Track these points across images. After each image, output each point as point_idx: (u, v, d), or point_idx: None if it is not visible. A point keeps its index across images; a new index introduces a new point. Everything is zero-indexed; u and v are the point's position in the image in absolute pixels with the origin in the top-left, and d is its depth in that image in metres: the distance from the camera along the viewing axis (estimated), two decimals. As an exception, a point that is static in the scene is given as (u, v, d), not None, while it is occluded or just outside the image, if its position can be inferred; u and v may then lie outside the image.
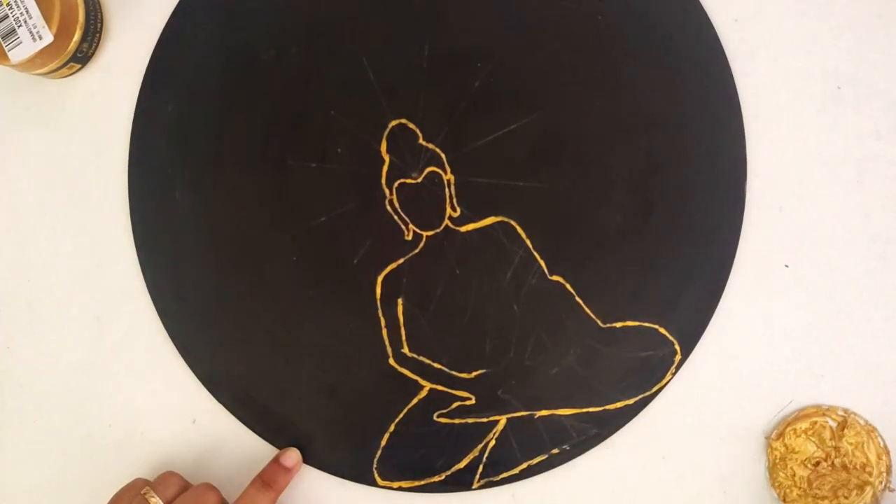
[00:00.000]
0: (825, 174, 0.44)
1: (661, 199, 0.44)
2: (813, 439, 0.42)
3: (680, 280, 0.44)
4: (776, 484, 0.43)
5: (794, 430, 0.43)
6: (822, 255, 0.44)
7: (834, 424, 0.42)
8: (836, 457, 0.42)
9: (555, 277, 0.44)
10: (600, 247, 0.44)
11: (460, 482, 0.45)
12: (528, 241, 0.44)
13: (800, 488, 0.42)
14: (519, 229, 0.44)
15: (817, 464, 0.42)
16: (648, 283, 0.44)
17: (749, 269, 0.44)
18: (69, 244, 0.48)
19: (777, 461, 0.43)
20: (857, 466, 0.42)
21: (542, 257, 0.44)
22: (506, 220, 0.44)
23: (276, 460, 0.45)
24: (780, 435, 0.43)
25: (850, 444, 0.42)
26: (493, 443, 0.44)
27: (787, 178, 0.44)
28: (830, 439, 0.42)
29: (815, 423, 0.42)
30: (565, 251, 0.44)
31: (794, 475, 0.42)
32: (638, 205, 0.44)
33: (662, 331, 0.44)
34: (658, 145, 0.44)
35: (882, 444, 0.42)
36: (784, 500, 0.43)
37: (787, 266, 0.44)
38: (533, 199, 0.44)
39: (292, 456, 0.45)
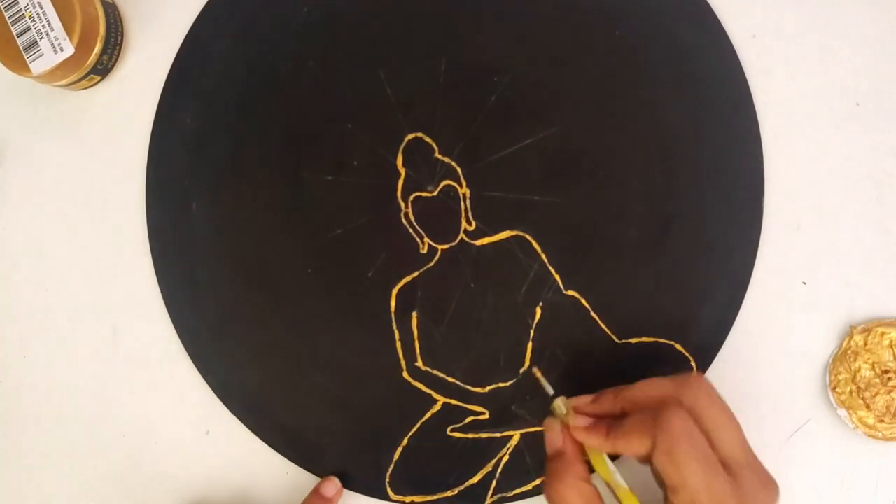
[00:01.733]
0: (844, 191, 0.43)
1: (678, 215, 0.44)
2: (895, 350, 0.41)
3: (697, 296, 0.43)
4: (835, 372, 0.42)
5: (883, 332, 0.41)
6: (841, 273, 0.43)
7: None
8: None
9: (570, 292, 0.44)
10: (616, 262, 0.44)
11: (473, 497, 0.44)
12: (543, 256, 0.44)
13: (856, 386, 0.41)
14: (534, 244, 0.44)
15: (885, 372, 0.41)
16: (665, 298, 0.43)
17: (766, 286, 0.43)
18: (86, 254, 0.49)
19: (849, 351, 0.42)
20: None
21: (557, 272, 0.44)
22: (521, 234, 0.44)
23: (316, 491, 0.44)
24: (867, 330, 0.42)
25: None
26: (506, 458, 0.44)
27: (806, 194, 0.44)
28: None
29: None
30: (581, 266, 0.44)
31: (858, 371, 0.41)
32: (654, 220, 0.44)
33: (679, 347, 0.43)
34: (675, 161, 0.44)
35: None
36: (833, 389, 0.42)
37: (804, 283, 0.43)
38: (549, 213, 0.44)
39: (332, 486, 0.45)
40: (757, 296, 0.43)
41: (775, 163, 0.43)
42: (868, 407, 0.41)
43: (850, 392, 0.41)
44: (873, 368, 0.41)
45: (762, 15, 0.44)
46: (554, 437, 0.38)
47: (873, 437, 0.41)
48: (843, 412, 0.42)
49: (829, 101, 0.44)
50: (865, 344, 0.42)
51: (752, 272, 0.43)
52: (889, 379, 0.41)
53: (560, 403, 0.39)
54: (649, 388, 0.36)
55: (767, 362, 0.44)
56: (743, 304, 0.43)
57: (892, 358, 0.41)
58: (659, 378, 0.37)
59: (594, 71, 0.44)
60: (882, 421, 0.41)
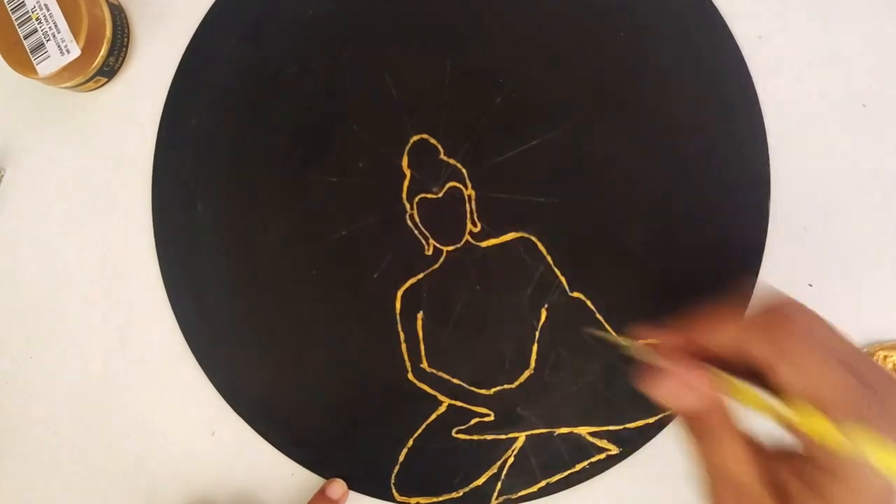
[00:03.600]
0: (850, 193, 0.43)
1: (683, 217, 0.44)
2: None
3: (702, 299, 0.43)
4: None
5: (885, 355, 0.41)
6: (847, 275, 0.43)
7: None
8: None
9: (575, 294, 0.44)
10: (622, 264, 0.44)
11: (478, 499, 0.44)
12: (548, 258, 0.44)
13: None
14: (539, 245, 0.44)
15: None
16: (670, 301, 0.43)
17: (773, 288, 0.43)
18: (92, 255, 0.49)
19: None
20: None
21: (562, 274, 0.44)
22: (526, 235, 0.44)
23: (321, 492, 0.45)
24: (870, 355, 0.41)
25: None
26: (511, 460, 0.44)
27: (812, 196, 0.43)
28: None
29: None
30: (586, 268, 0.44)
31: None
32: (660, 222, 0.44)
33: (684, 349, 0.43)
34: (681, 162, 0.44)
35: None
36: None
37: (810, 286, 0.43)
38: (554, 215, 0.44)
39: (338, 489, 0.45)
40: (763, 298, 0.43)
41: (781, 164, 0.43)
42: None
43: None
44: None
45: (768, 16, 0.44)
46: (676, 384, 0.29)
47: None
48: None
49: (836, 103, 0.44)
50: None
51: (758, 274, 0.43)
52: None
53: (640, 345, 0.32)
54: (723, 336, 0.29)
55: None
56: (749, 307, 0.43)
57: None
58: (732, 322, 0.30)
59: (599, 72, 0.44)
60: None
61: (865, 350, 0.42)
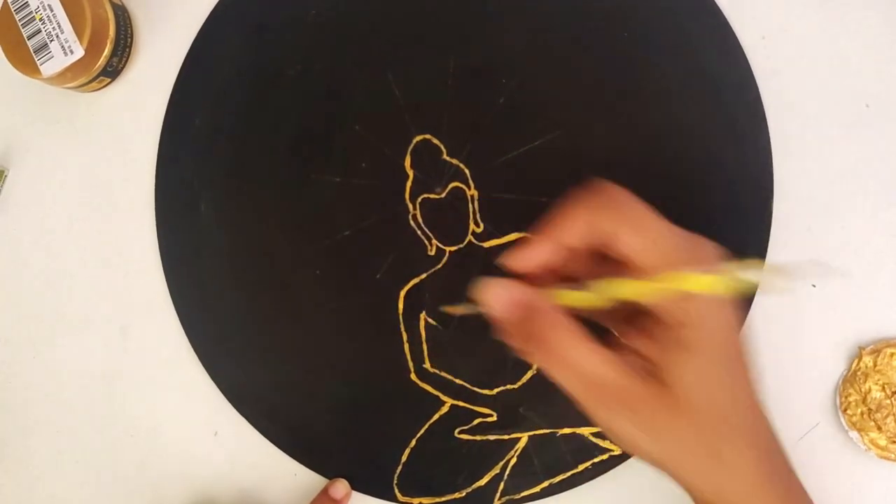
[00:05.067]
0: (854, 193, 0.43)
1: (686, 218, 0.43)
2: None
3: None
4: (845, 393, 0.42)
5: (892, 352, 0.41)
6: (851, 275, 0.43)
7: None
8: None
9: (578, 294, 0.44)
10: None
11: (481, 499, 0.44)
12: (551, 258, 0.44)
13: (867, 407, 0.41)
14: (542, 246, 0.44)
15: (895, 394, 0.41)
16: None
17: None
18: (96, 256, 0.49)
19: (858, 373, 0.41)
20: None
21: (565, 274, 0.44)
22: (529, 236, 0.44)
23: (324, 492, 0.45)
24: (876, 351, 0.41)
25: None
26: (514, 460, 0.44)
27: (815, 197, 0.43)
28: None
29: None
30: (589, 268, 0.44)
31: (868, 393, 0.41)
32: (663, 222, 0.43)
33: (687, 350, 0.43)
34: (683, 164, 0.43)
35: None
36: (844, 411, 0.41)
37: (814, 286, 0.43)
38: (557, 215, 0.44)
39: (341, 488, 0.45)
40: (766, 298, 0.43)
41: (784, 165, 0.43)
42: (879, 428, 0.41)
43: (861, 414, 0.41)
44: (884, 389, 0.41)
45: (771, 16, 0.44)
46: (502, 292, 0.32)
47: (885, 458, 0.41)
48: (854, 434, 0.41)
49: (839, 103, 0.44)
50: (875, 365, 0.41)
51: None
52: None
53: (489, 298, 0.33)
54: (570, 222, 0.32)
55: (776, 365, 0.43)
56: (752, 307, 0.43)
57: None
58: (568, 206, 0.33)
59: (602, 72, 0.44)
60: (894, 442, 0.41)
61: (871, 347, 0.42)
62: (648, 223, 0.31)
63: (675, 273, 0.29)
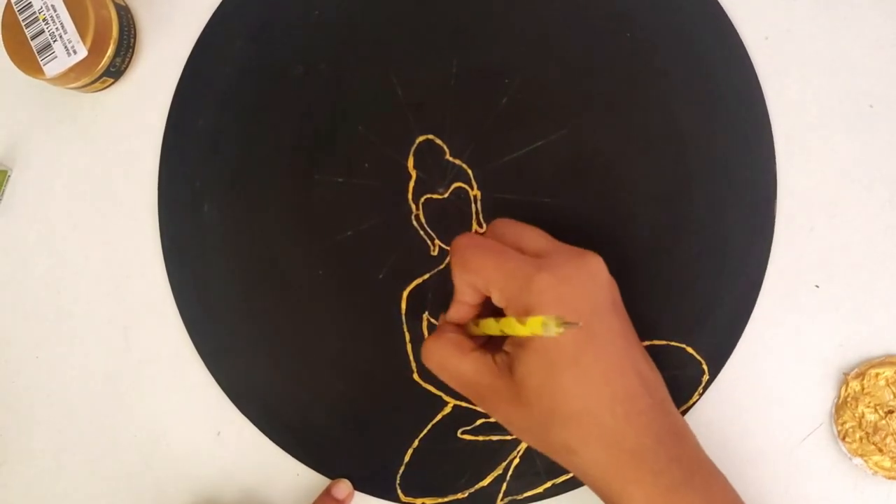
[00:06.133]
0: (857, 193, 0.43)
1: (689, 218, 0.43)
2: (893, 388, 0.41)
3: (708, 299, 0.43)
4: (840, 422, 0.41)
5: (877, 373, 0.41)
6: (854, 276, 0.43)
7: None
8: None
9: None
10: (628, 265, 0.43)
11: (483, 500, 0.44)
12: (554, 258, 0.44)
13: (864, 432, 0.41)
14: (545, 246, 0.44)
15: (890, 412, 0.41)
16: (676, 301, 0.43)
17: (779, 289, 0.43)
18: (99, 256, 0.49)
19: (848, 399, 0.41)
20: None
21: (568, 274, 0.44)
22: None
23: (327, 492, 0.45)
24: (861, 375, 0.41)
25: None
26: (517, 461, 0.44)
27: (818, 197, 0.43)
28: None
29: None
30: (592, 268, 0.44)
31: (863, 417, 0.41)
32: (666, 222, 0.43)
33: (690, 350, 0.43)
34: (687, 164, 0.43)
35: None
36: (843, 439, 0.41)
37: (817, 286, 0.43)
38: (560, 216, 0.44)
39: (343, 488, 0.45)
40: (769, 298, 0.43)
41: (788, 165, 0.43)
42: (881, 451, 0.41)
43: (860, 439, 0.41)
44: (876, 411, 0.41)
45: (775, 16, 0.44)
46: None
47: (894, 479, 0.41)
48: (857, 461, 0.41)
49: (843, 103, 0.43)
50: (863, 388, 0.41)
51: (764, 275, 0.43)
52: (895, 418, 0.41)
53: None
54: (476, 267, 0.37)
55: (779, 365, 0.43)
56: (755, 307, 0.43)
57: (892, 396, 0.41)
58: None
59: (605, 73, 0.44)
60: None
61: (855, 371, 0.42)
62: (488, 274, 0.36)
63: (508, 319, 0.35)
